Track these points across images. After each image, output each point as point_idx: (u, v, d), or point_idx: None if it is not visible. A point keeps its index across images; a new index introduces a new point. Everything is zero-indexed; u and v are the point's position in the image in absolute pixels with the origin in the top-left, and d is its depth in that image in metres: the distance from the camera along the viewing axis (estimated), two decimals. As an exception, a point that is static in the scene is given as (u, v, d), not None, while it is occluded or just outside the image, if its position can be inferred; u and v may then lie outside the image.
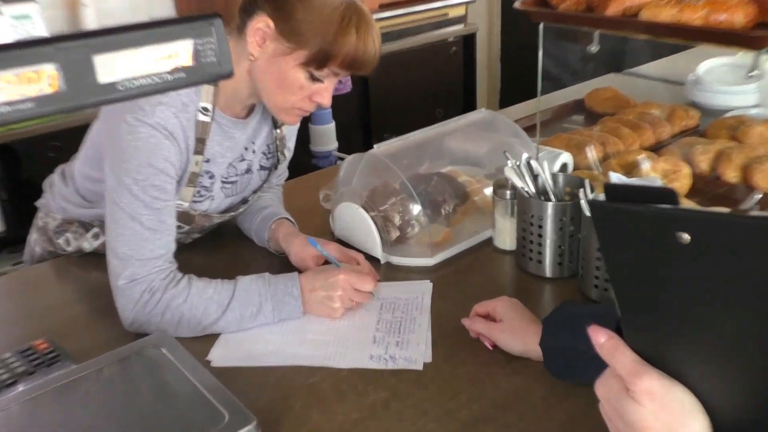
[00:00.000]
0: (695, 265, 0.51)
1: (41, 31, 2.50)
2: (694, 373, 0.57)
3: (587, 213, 1.19)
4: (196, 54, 0.59)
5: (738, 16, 1.09)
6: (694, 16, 1.10)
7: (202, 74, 0.60)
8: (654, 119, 1.80)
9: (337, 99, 2.84)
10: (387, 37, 3.08)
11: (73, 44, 0.53)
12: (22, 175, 2.40)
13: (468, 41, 3.43)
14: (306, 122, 2.70)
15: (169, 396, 0.97)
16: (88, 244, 1.42)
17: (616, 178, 1.21)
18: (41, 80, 0.52)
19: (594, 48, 1.45)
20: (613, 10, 1.21)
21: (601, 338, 0.60)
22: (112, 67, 0.55)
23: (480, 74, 3.86)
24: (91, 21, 2.67)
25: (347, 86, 2.89)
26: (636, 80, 2.39)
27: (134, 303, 1.15)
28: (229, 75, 0.61)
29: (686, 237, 0.49)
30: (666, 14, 1.14)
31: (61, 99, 0.54)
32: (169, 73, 0.58)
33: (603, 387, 0.61)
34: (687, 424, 0.56)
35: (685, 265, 0.52)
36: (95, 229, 1.41)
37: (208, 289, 1.18)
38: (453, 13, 3.33)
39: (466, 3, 3.34)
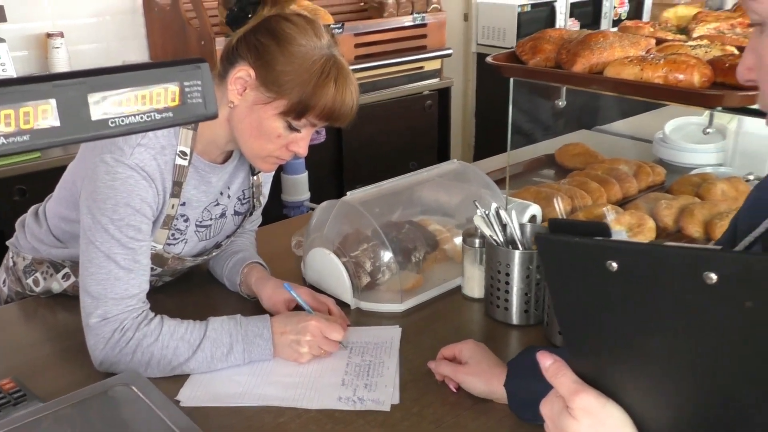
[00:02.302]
0: (624, 292, 0.58)
1: (10, 71, 2.56)
2: (627, 391, 0.64)
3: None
4: (183, 95, 0.65)
5: (695, 76, 1.19)
6: (655, 75, 1.20)
7: (188, 115, 0.66)
8: (621, 175, 1.90)
9: (310, 149, 2.91)
10: (362, 88, 3.15)
11: (69, 82, 0.59)
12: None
13: (443, 95, 3.55)
14: (278, 172, 2.76)
15: (136, 427, 1.00)
16: (58, 284, 1.45)
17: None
18: (38, 115, 0.58)
19: (561, 103, 1.55)
20: (579, 67, 1.31)
21: (547, 362, 0.67)
22: (105, 105, 0.61)
23: (454, 128, 3.98)
24: (62, 62, 2.73)
25: (321, 136, 2.98)
26: (606, 137, 2.51)
27: (105, 342, 1.19)
28: (213, 116, 0.67)
29: (615, 265, 0.56)
30: (629, 72, 1.23)
31: (56, 133, 0.59)
32: (157, 112, 0.64)
33: (546, 406, 0.68)
34: None
35: (616, 292, 0.59)
36: (66, 270, 1.45)
37: (180, 328, 1.22)
38: (429, 66, 3.45)
39: (442, 57, 3.46)
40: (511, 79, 1.46)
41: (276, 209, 2.84)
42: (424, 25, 3.32)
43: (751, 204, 0.81)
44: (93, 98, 0.60)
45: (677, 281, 0.54)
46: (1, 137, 0.57)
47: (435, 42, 3.41)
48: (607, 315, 0.62)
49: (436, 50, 3.43)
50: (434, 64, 3.47)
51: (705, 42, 1.33)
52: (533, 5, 4.04)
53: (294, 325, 1.26)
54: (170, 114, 0.65)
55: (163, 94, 0.64)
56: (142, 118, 0.63)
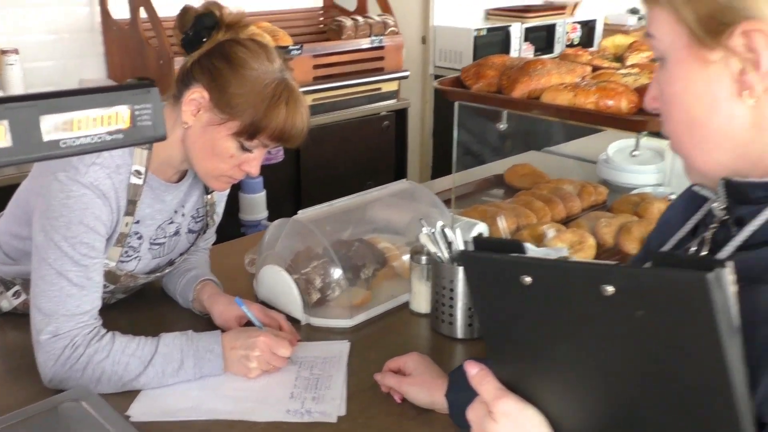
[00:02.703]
0: (536, 304, 0.64)
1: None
2: (543, 396, 0.70)
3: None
4: (133, 118, 0.69)
5: (623, 102, 1.27)
6: (587, 101, 1.27)
7: (138, 136, 0.70)
8: (565, 194, 1.98)
9: (268, 169, 2.96)
10: (321, 108, 3.23)
11: (21, 105, 0.63)
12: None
13: (400, 115, 3.62)
14: (236, 191, 2.80)
15: (88, 443, 1.02)
16: (7, 302, 1.46)
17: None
18: (-9, 136, 0.62)
19: (503, 126, 1.62)
20: (518, 92, 1.38)
21: (473, 370, 0.73)
22: (57, 126, 0.64)
23: (412, 148, 4.05)
24: (16, 79, 2.72)
25: (279, 156, 3.01)
26: (553, 158, 2.59)
27: (55, 358, 1.21)
28: (162, 138, 0.71)
29: (528, 279, 0.62)
30: (563, 98, 1.31)
31: (9, 153, 0.63)
32: (108, 133, 0.68)
33: (471, 411, 0.73)
34: None
35: (529, 304, 0.64)
36: (17, 287, 1.46)
37: (131, 344, 1.24)
38: (386, 88, 3.52)
39: (399, 79, 3.54)
40: (456, 103, 1.52)
41: (234, 228, 2.86)
42: (381, 48, 3.39)
43: (660, 223, 0.87)
44: (45, 120, 0.64)
45: (580, 293, 0.60)
46: (-46, 156, 0.60)
47: (392, 64, 3.48)
48: (523, 325, 0.67)
49: (394, 72, 3.49)
50: (392, 86, 3.54)
51: (635, 70, 1.42)
52: (489, 29, 4.15)
53: (244, 340, 1.29)
54: (121, 135, 0.68)
55: (114, 117, 0.68)
56: (92, 139, 0.67)
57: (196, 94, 1.26)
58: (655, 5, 0.68)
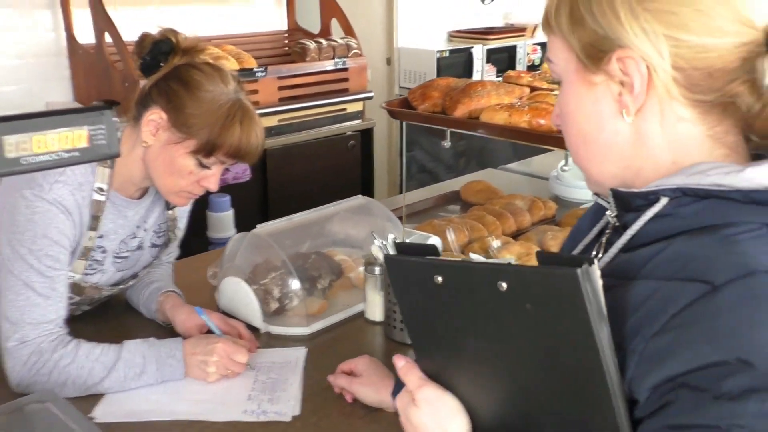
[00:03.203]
0: (447, 301, 0.73)
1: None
2: (459, 385, 0.79)
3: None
4: (90, 137, 0.77)
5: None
6: (521, 120, 1.37)
7: (94, 154, 0.78)
8: (516, 209, 2.08)
9: (236, 187, 3.04)
10: (287, 129, 3.31)
11: (-14, 126, 0.70)
12: None
13: (365, 135, 3.71)
14: (204, 209, 2.86)
15: (52, 442, 1.08)
16: (-23, 315, 1.52)
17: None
18: (-42, 154, 0.69)
19: (447, 144, 1.71)
20: (459, 112, 1.48)
21: (400, 363, 0.82)
22: (18, 145, 0.72)
23: (379, 166, 4.14)
24: (-16, 103, 2.79)
25: (246, 175, 3.09)
26: (509, 175, 2.70)
27: (22, 364, 1.27)
28: (116, 155, 0.79)
29: (440, 279, 0.71)
30: (499, 117, 1.41)
31: (-25, 169, 0.70)
32: (65, 152, 0.75)
33: (399, 400, 0.82)
34: (452, 422, 0.78)
35: (442, 301, 0.73)
36: (-15, 301, 1.51)
37: (95, 350, 1.31)
38: (351, 108, 3.61)
39: (363, 99, 3.63)
40: (403, 123, 1.62)
41: (202, 246, 2.92)
42: (345, 69, 3.49)
43: (572, 231, 0.97)
44: (8, 140, 0.71)
45: (481, 290, 0.69)
46: (-75, 172, 0.68)
47: (356, 85, 3.58)
48: (439, 321, 0.76)
49: (358, 93, 3.59)
50: (356, 106, 3.63)
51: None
52: (451, 51, 4.28)
53: (203, 346, 1.36)
54: (77, 153, 0.76)
55: (71, 137, 0.76)
56: (51, 157, 0.74)
57: (155, 115, 1.34)
58: (551, 33, 0.78)
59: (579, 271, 0.61)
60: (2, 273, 1.30)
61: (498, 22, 4.93)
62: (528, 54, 4.63)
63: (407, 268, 0.75)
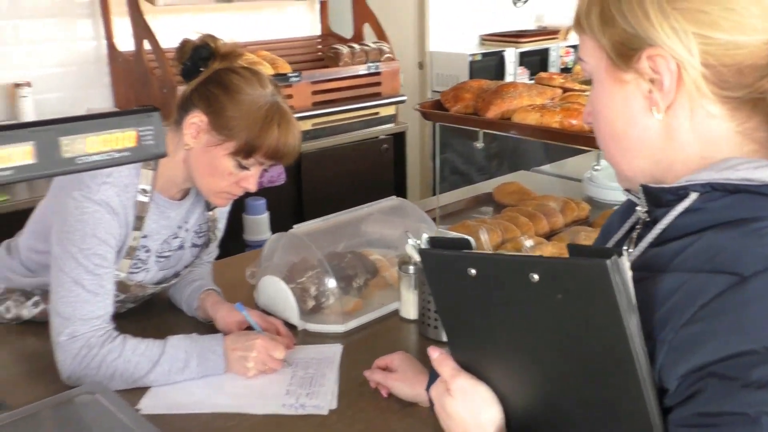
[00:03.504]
0: (480, 293, 0.75)
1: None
2: (492, 375, 0.81)
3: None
4: (139, 138, 0.81)
5: (587, 121, 1.39)
6: (553, 120, 1.39)
7: (143, 154, 0.82)
8: (549, 210, 2.09)
9: (271, 191, 3.09)
10: (320, 133, 3.36)
11: (45, 128, 0.75)
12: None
13: (398, 139, 3.74)
14: (240, 212, 2.92)
15: (101, 430, 1.13)
16: (28, 311, 1.59)
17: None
18: (20, 154, 0.74)
19: (479, 144, 1.74)
20: (491, 113, 1.51)
21: (435, 354, 0.85)
22: (74, 146, 0.77)
23: (412, 169, 4.17)
24: (29, 110, 2.88)
25: (282, 179, 3.14)
26: (542, 177, 2.71)
27: (72, 357, 1.32)
28: (163, 154, 0.83)
29: (473, 272, 0.74)
30: (531, 118, 1.43)
31: (34, 168, 0.75)
32: (116, 152, 0.80)
33: (433, 390, 0.85)
34: (486, 411, 0.81)
35: (475, 294, 0.76)
36: (36, 298, 1.58)
37: (141, 345, 1.36)
38: (384, 112, 3.64)
39: (396, 103, 3.67)
40: (436, 124, 1.65)
41: (238, 248, 2.97)
42: (377, 74, 3.53)
43: (603, 228, 0.98)
44: (64, 141, 0.76)
45: (513, 281, 0.72)
46: (-10, 171, 0.72)
47: (389, 89, 3.62)
48: (472, 312, 0.79)
49: (390, 97, 3.63)
50: (389, 110, 3.67)
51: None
52: (484, 54, 4.30)
53: (243, 342, 1.40)
54: (128, 153, 0.81)
55: (122, 137, 0.80)
56: (104, 156, 0.79)
57: (196, 119, 1.39)
58: (583, 33, 0.80)
59: (608, 262, 0.63)
60: (54, 271, 1.36)
61: (530, 25, 4.93)
62: (561, 57, 4.63)
63: (441, 261, 0.78)
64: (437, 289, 0.82)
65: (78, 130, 0.77)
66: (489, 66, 4.31)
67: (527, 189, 2.36)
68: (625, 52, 0.74)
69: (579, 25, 0.79)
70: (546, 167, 2.85)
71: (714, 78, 0.71)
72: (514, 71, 4.42)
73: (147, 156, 0.82)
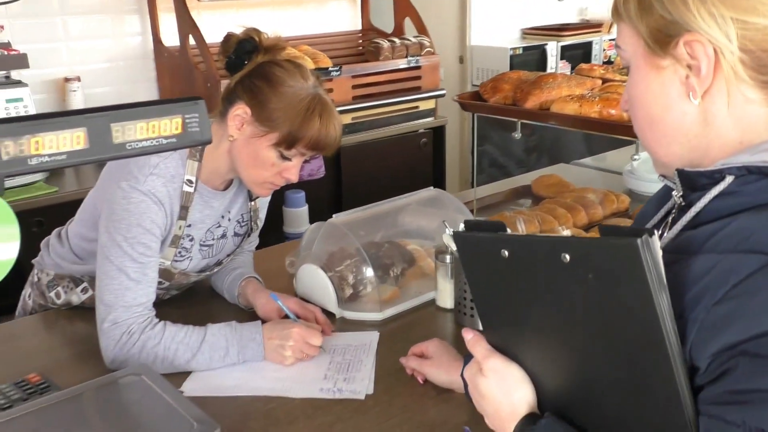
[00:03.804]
0: (513, 274, 0.77)
1: (32, 112, 2.79)
2: (524, 356, 0.83)
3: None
4: (185, 125, 0.85)
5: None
6: (592, 110, 1.40)
7: (189, 140, 0.86)
8: (588, 202, 2.09)
9: (311, 184, 3.13)
10: (360, 126, 3.40)
11: (97, 115, 0.79)
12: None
13: (438, 133, 3.75)
14: (280, 205, 2.96)
15: (147, 410, 1.18)
16: (77, 297, 1.65)
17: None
18: (73, 140, 0.78)
19: (517, 135, 1.74)
20: (530, 104, 1.52)
21: (468, 335, 0.87)
22: (124, 132, 0.80)
23: (451, 165, 4.18)
24: (78, 104, 2.97)
25: (321, 172, 3.18)
26: (582, 170, 2.71)
27: (115, 343, 1.37)
28: (208, 141, 0.86)
29: (506, 253, 0.75)
30: (570, 108, 1.43)
31: (86, 154, 0.79)
32: (164, 138, 0.83)
33: (467, 370, 0.87)
34: (518, 391, 0.83)
35: (508, 275, 0.78)
36: (84, 284, 1.64)
37: (180, 333, 1.40)
38: (423, 106, 3.66)
39: (436, 97, 3.68)
40: (475, 116, 1.66)
41: (278, 240, 3.02)
42: (418, 68, 3.55)
43: (639, 214, 0.99)
44: (115, 127, 0.80)
45: (545, 262, 0.73)
46: (46, 156, 0.77)
47: (429, 83, 3.63)
48: (504, 294, 0.81)
49: (430, 91, 3.64)
50: (429, 104, 3.68)
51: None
52: (525, 48, 4.28)
53: (279, 331, 1.43)
54: (174, 140, 0.84)
55: (169, 124, 0.84)
56: (152, 142, 0.83)
57: (240, 111, 1.42)
58: (620, 20, 0.81)
59: (639, 241, 0.65)
60: (100, 259, 1.41)
61: (573, 19, 4.89)
62: (604, 50, 4.59)
63: (475, 243, 0.80)
64: (471, 272, 0.84)
65: (128, 117, 0.80)
66: (530, 60, 4.29)
67: (566, 181, 2.35)
68: (663, 38, 0.75)
69: (617, 12, 0.81)
70: (586, 160, 2.84)
71: (752, 63, 0.72)
72: (555, 65, 4.39)
73: (192, 142, 0.86)
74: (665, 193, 0.93)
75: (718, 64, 0.72)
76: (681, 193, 0.82)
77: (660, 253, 0.67)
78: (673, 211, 0.85)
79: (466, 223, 0.83)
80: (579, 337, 0.76)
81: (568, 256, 0.70)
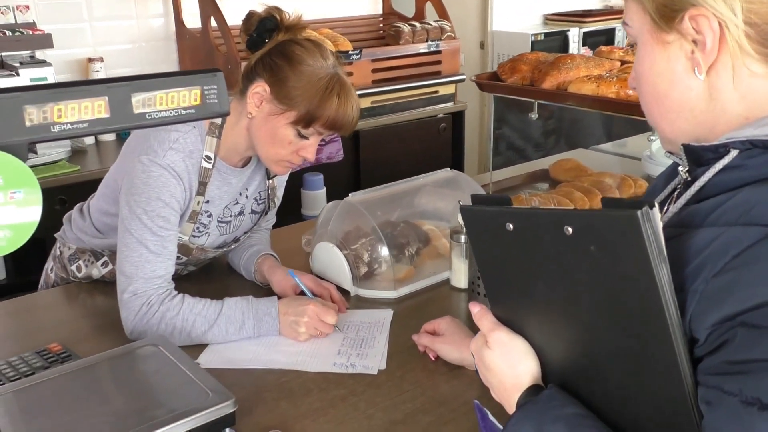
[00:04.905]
0: (518, 247, 0.79)
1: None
2: (529, 328, 0.85)
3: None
4: (203, 96, 0.87)
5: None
6: (609, 91, 1.40)
7: (207, 112, 0.88)
8: (605, 186, 2.09)
9: (329, 167, 3.14)
10: (379, 111, 3.41)
11: (118, 85, 0.81)
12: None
13: (457, 117, 3.76)
14: (299, 187, 2.99)
15: (164, 379, 1.21)
16: (98, 271, 1.69)
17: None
18: (95, 109, 0.80)
19: (534, 116, 1.75)
20: (548, 84, 1.52)
21: (475, 309, 0.89)
22: (144, 102, 0.83)
23: (470, 150, 4.19)
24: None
25: (340, 155, 3.20)
26: (601, 155, 2.70)
27: (135, 314, 1.41)
28: (226, 113, 0.89)
29: (511, 226, 0.77)
30: (587, 88, 1.44)
31: (107, 122, 0.81)
32: (183, 109, 0.86)
33: (473, 343, 0.89)
34: (522, 363, 0.85)
35: (514, 248, 0.79)
36: (105, 258, 1.68)
37: (198, 305, 1.43)
38: (443, 91, 3.66)
39: (455, 82, 3.68)
40: (492, 96, 1.67)
41: (296, 222, 3.06)
42: (438, 52, 3.55)
43: (648, 190, 1.00)
44: (135, 97, 0.82)
45: (549, 235, 0.75)
46: (68, 124, 0.79)
47: (449, 68, 3.63)
48: (509, 267, 0.83)
49: (451, 75, 3.64)
50: (449, 89, 3.68)
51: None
52: (546, 34, 4.26)
53: (295, 307, 1.46)
54: (193, 111, 0.87)
55: (188, 95, 0.86)
56: (171, 113, 0.85)
57: (259, 88, 1.45)
58: None
59: (639, 212, 0.66)
60: (120, 232, 1.45)
61: (597, 5, 4.86)
62: (627, 36, 4.55)
63: (481, 217, 0.82)
64: (477, 245, 0.86)
65: (148, 87, 0.83)
66: (552, 46, 4.27)
67: (584, 166, 2.36)
68: (668, 13, 0.76)
69: None
70: (605, 145, 2.84)
71: (757, 36, 0.72)
72: (577, 51, 4.37)
73: (210, 114, 0.88)
74: (673, 170, 0.94)
75: (723, 38, 0.73)
76: (687, 168, 0.83)
77: (660, 225, 0.68)
78: (679, 186, 0.86)
79: (473, 197, 0.84)
80: (582, 308, 0.77)
81: (570, 229, 0.72)
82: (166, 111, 0.85)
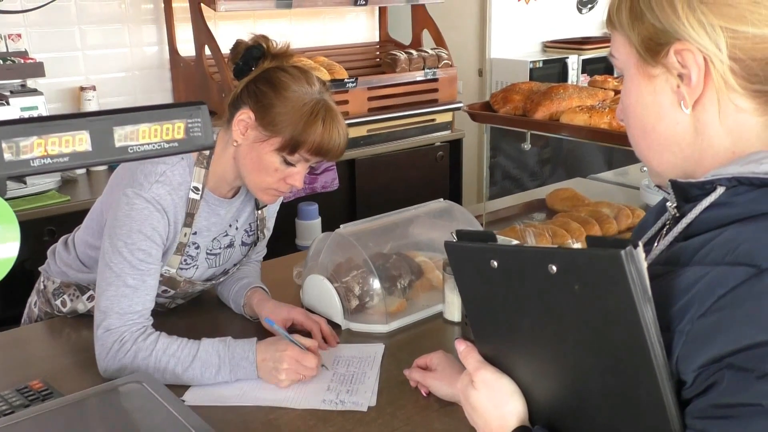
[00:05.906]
0: (503, 285, 0.79)
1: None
2: (515, 367, 0.85)
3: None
4: (187, 129, 0.88)
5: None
6: (601, 121, 1.41)
7: (191, 145, 0.88)
8: (602, 216, 2.09)
9: (324, 196, 3.13)
10: (375, 139, 3.42)
11: (100, 118, 0.82)
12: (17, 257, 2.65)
13: (454, 146, 3.77)
14: (293, 217, 3.00)
15: (147, 417, 1.20)
16: (83, 305, 1.68)
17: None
18: (76, 142, 0.81)
19: (527, 146, 1.76)
20: (540, 114, 1.53)
21: (461, 347, 0.89)
22: (126, 136, 0.83)
23: (468, 178, 4.19)
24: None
25: (335, 185, 3.21)
26: (598, 184, 2.71)
27: (107, 351, 1.39)
28: (211, 146, 0.89)
29: (495, 263, 0.77)
30: (580, 119, 1.45)
31: (88, 156, 0.82)
32: (166, 142, 0.86)
33: (459, 382, 0.89)
34: (508, 404, 0.84)
35: (498, 285, 0.79)
36: (90, 292, 1.67)
37: (173, 345, 1.40)
38: (440, 119, 3.68)
39: (453, 110, 3.70)
40: (487, 126, 1.68)
41: (291, 253, 3.05)
42: (435, 80, 3.57)
43: (639, 224, 1.00)
44: (117, 131, 0.83)
45: (533, 273, 0.75)
46: (48, 158, 0.79)
47: (446, 96, 3.65)
48: (494, 304, 0.82)
49: (447, 103, 3.66)
50: (446, 117, 3.70)
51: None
52: (545, 61, 4.29)
53: (272, 353, 1.41)
54: (176, 144, 0.87)
55: (171, 129, 0.87)
56: (154, 146, 0.85)
57: (244, 115, 1.45)
58: (614, 29, 0.83)
59: (623, 252, 0.66)
60: (101, 265, 1.44)
61: (596, 32, 4.90)
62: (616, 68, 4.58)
63: (465, 253, 0.82)
64: (462, 281, 0.86)
65: (130, 120, 0.83)
66: (551, 73, 4.30)
67: (582, 195, 2.36)
68: (654, 47, 0.77)
69: (610, 21, 0.82)
70: (604, 174, 2.85)
71: (742, 72, 0.73)
72: (576, 78, 4.40)
73: (194, 147, 0.88)
74: (663, 205, 0.94)
75: (708, 72, 0.74)
76: (675, 204, 0.83)
77: (645, 264, 0.68)
78: (668, 222, 0.86)
79: (458, 233, 0.84)
80: (568, 347, 0.77)
81: (554, 267, 0.72)
82: (149, 144, 0.85)
